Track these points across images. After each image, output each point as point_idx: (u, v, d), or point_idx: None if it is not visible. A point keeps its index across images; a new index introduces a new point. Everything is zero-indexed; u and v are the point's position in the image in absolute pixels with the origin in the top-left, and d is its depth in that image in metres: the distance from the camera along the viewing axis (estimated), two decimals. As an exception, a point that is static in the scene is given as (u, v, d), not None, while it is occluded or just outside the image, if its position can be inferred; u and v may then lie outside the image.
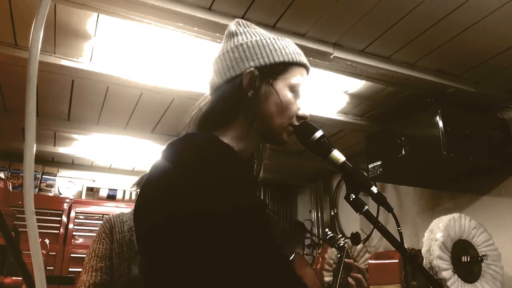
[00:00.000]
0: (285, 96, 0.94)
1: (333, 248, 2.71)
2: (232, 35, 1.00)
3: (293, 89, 0.95)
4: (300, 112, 0.96)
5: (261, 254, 0.71)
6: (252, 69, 0.92)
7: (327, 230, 1.86)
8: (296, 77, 0.96)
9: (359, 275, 1.36)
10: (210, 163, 0.75)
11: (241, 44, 0.96)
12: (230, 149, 0.82)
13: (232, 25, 1.02)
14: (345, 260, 1.45)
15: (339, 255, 1.64)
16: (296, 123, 0.96)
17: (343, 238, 1.82)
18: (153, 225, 0.74)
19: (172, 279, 0.73)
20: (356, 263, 1.43)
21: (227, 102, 0.94)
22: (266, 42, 0.96)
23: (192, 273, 0.70)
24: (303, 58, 0.99)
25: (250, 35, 0.98)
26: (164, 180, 0.77)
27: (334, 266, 2.27)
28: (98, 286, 1.27)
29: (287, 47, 0.97)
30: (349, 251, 1.65)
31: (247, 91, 0.92)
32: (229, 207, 0.70)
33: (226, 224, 0.69)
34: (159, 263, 0.74)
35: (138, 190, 0.86)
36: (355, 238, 2.00)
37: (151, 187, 0.80)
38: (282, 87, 0.94)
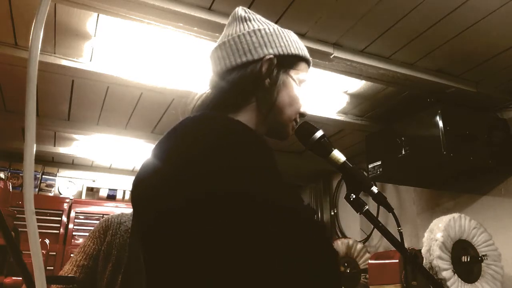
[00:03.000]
0: (297, 88, 0.93)
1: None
2: (244, 19, 0.96)
3: (301, 83, 0.95)
4: (302, 109, 0.95)
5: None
6: (271, 56, 0.89)
7: None
8: (304, 72, 0.96)
9: None
10: (240, 142, 0.68)
11: (259, 30, 0.92)
12: (254, 131, 0.75)
13: (240, 10, 0.98)
14: None
15: None
16: (298, 119, 0.95)
17: None
18: (172, 208, 0.64)
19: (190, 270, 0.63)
20: None
21: (242, 85, 0.89)
22: (283, 33, 0.94)
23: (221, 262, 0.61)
24: (309, 56, 0.99)
25: (263, 23, 0.96)
26: (184, 159, 0.66)
27: None
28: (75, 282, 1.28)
29: (299, 42, 0.97)
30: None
31: (264, 78, 0.89)
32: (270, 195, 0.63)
33: (264, 213, 0.61)
34: (173, 253, 0.65)
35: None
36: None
37: (164, 170, 0.69)
38: (294, 79, 0.93)
